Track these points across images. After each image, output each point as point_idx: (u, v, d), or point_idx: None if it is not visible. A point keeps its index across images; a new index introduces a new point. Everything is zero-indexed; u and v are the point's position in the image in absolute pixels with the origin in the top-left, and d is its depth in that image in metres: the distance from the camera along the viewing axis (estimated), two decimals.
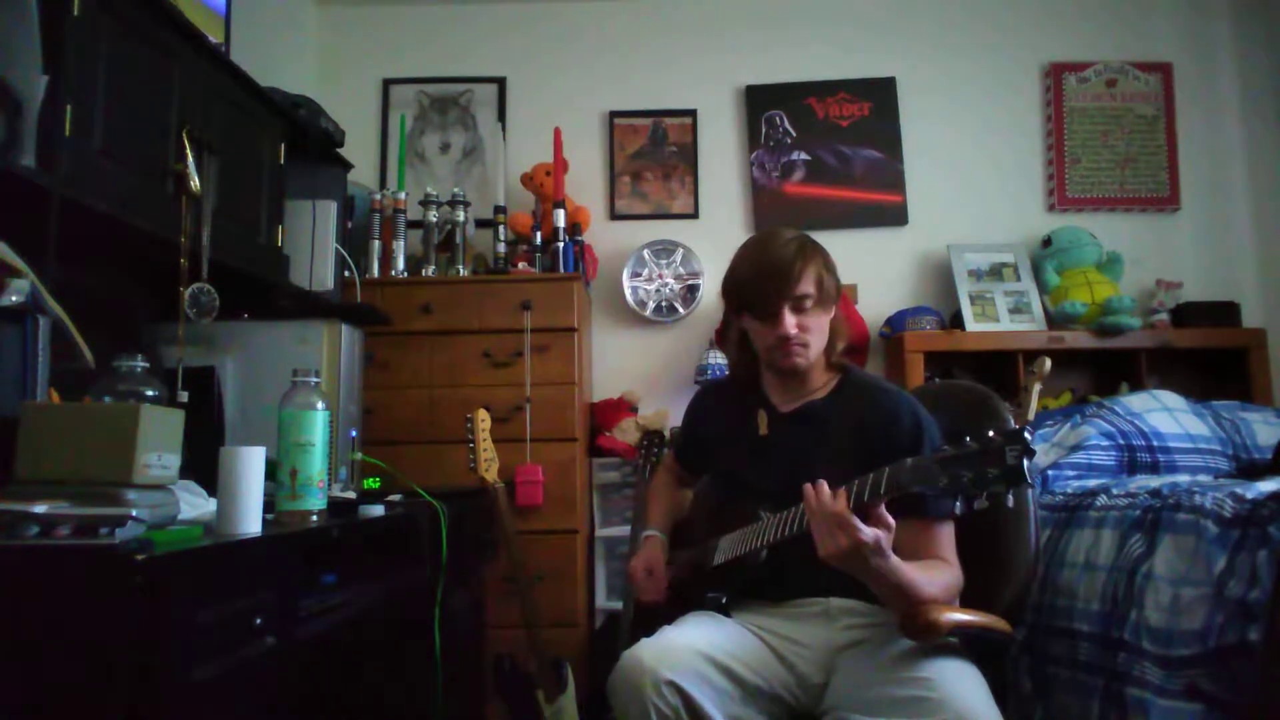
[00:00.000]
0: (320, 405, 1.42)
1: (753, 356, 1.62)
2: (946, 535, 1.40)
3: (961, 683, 1.22)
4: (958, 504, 1.14)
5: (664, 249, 3.23)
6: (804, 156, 3.31)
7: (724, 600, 1.50)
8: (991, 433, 1.12)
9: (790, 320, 1.49)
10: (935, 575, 1.32)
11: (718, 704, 1.27)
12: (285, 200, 2.16)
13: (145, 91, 1.61)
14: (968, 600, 1.38)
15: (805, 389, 1.57)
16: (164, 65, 1.66)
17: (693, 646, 1.31)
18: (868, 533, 1.19)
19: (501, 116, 3.35)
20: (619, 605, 2.69)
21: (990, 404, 1.61)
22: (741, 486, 1.57)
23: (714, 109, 3.37)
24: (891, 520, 1.22)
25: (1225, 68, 3.35)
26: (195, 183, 1.65)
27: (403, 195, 2.93)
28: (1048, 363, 2.46)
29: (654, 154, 3.35)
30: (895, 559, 1.23)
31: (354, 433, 2.12)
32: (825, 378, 1.58)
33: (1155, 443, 2.35)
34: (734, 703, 1.31)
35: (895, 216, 3.28)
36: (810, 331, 1.51)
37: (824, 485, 1.24)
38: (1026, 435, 1.08)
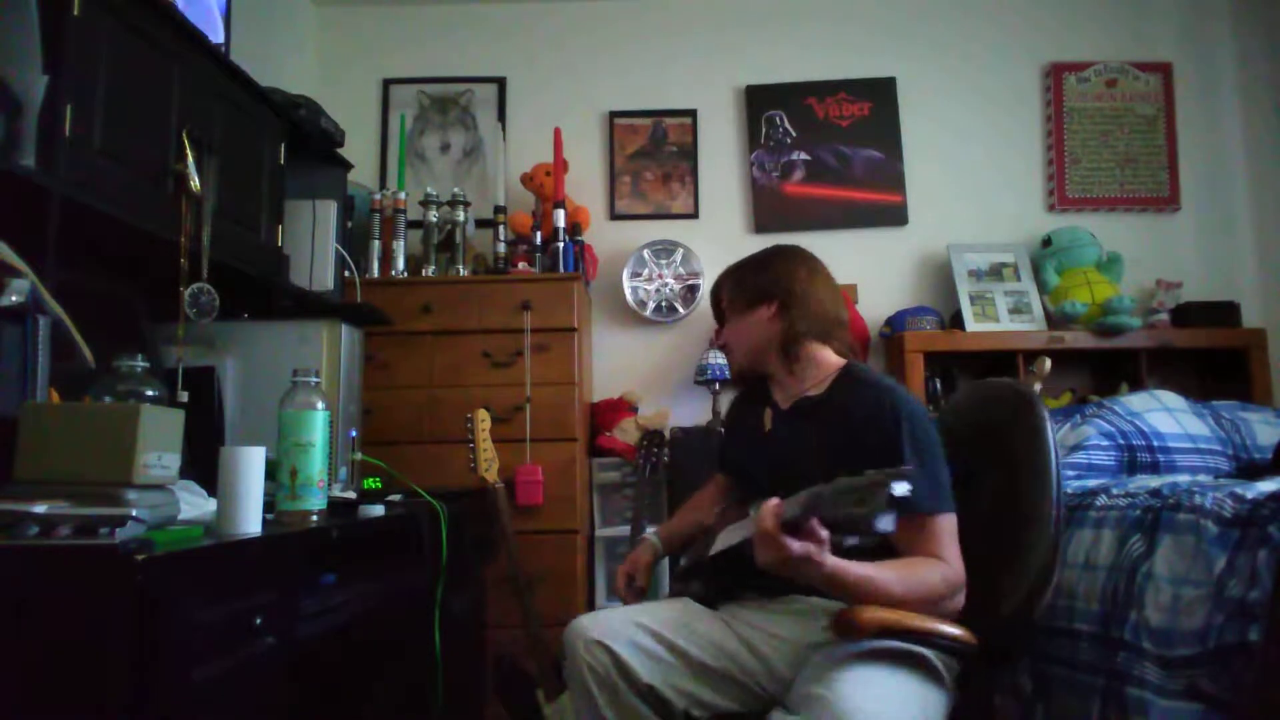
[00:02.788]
0: (320, 405, 1.42)
1: None
2: (942, 530, 1.38)
3: (861, 687, 1.20)
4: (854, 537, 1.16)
5: (664, 249, 3.23)
6: (804, 156, 3.31)
7: (706, 592, 1.58)
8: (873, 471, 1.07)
9: (720, 333, 1.77)
10: (913, 572, 1.31)
11: (650, 668, 1.39)
12: (285, 200, 2.16)
13: (145, 91, 1.61)
14: (975, 599, 1.36)
15: (801, 386, 1.61)
16: (164, 65, 1.66)
17: (631, 618, 1.45)
18: (795, 547, 1.18)
19: (501, 116, 3.35)
20: (619, 605, 2.69)
21: (1028, 402, 1.59)
22: (747, 481, 1.66)
23: (714, 109, 3.37)
24: (823, 534, 1.19)
25: (1225, 68, 3.35)
26: (195, 183, 1.65)
27: (403, 195, 2.93)
28: (1048, 363, 2.46)
29: (654, 154, 3.35)
30: (838, 563, 1.22)
31: (354, 433, 2.12)
32: (823, 374, 1.60)
33: (1155, 443, 2.35)
34: (675, 672, 1.40)
35: (895, 216, 3.27)
36: (730, 337, 1.72)
37: (772, 502, 1.23)
38: (906, 469, 1.04)
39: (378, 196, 2.93)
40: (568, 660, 1.42)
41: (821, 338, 1.61)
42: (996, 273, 3.16)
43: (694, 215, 3.31)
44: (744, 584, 1.53)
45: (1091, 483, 2.17)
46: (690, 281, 3.20)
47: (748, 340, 1.66)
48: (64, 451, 1.05)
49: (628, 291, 3.19)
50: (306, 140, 2.27)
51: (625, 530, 2.77)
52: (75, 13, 1.39)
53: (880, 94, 3.34)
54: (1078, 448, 2.35)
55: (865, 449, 1.28)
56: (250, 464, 1.22)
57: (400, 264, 2.88)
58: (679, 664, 1.41)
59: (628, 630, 1.41)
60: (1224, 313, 3.05)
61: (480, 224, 3.11)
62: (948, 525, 1.39)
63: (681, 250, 3.22)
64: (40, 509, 0.98)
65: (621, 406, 3.03)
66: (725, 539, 1.53)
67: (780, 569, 1.22)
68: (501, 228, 2.94)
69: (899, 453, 1.38)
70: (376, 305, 2.55)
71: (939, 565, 1.35)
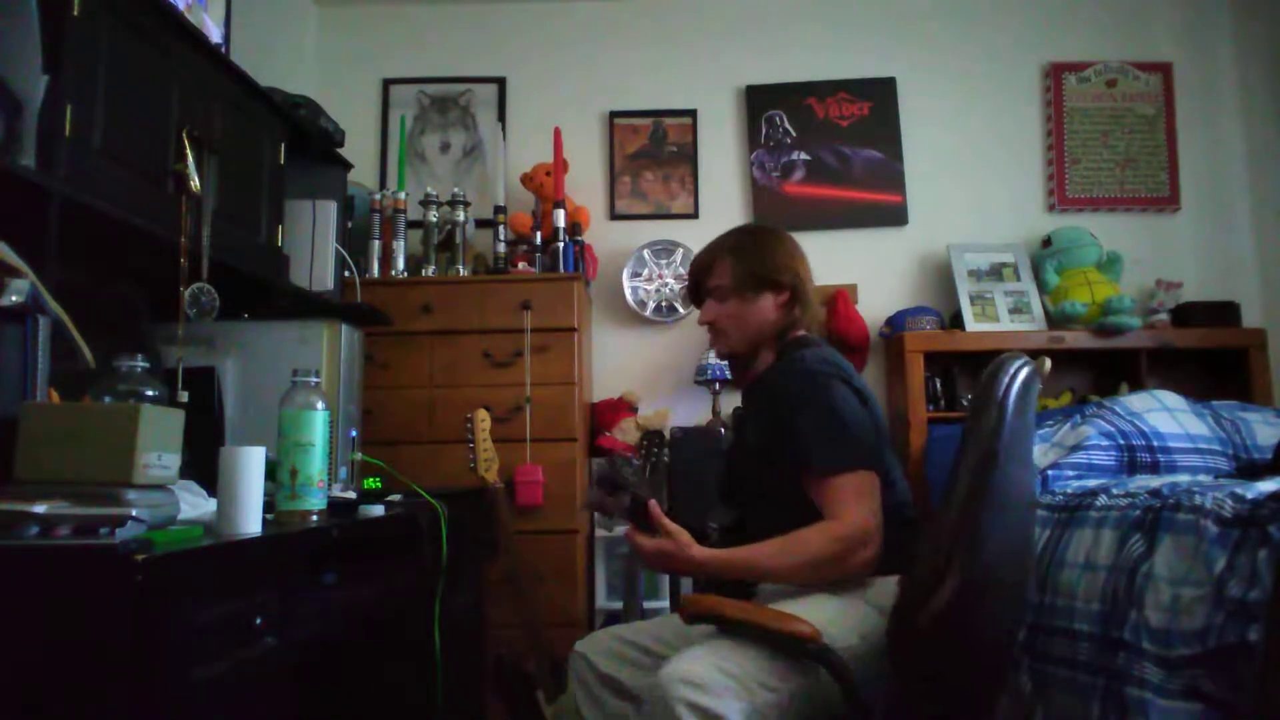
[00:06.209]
0: (320, 405, 1.42)
1: None
2: (838, 488, 1.40)
3: (687, 652, 1.31)
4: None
5: (664, 249, 3.23)
6: (804, 156, 3.31)
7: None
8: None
9: (708, 311, 1.66)
10: (795, 539, 1.37)
11: (623, 672, 1.54)
12: (285, 200, 2.16)
13: (145, 91, 1.61)
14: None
15: (750, 375, 1.68)
16: (164, 65, 1.66)
17: (616, 633, 1.63)
18: (647, 544, 1.44)
19: (501, 116, 3.35)
20: (619, 605, 2.69)
21: None
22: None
23: (714, 109, 3.37)
24: (671, 526, 1.42)
25: (1225, 68, 3.35)
26: (195, 183, 1.65)
27: (403, 195, 2.93)
28: (1048, 363, 2.44)
29: (654, 154, 3.35)
30: (706, 553, 1.41)
31: (354, 433, 2.12)
32: (768, 361, 1.65)
33: (1155, 443, 2.35)
34: (650, 673, 1.42)
35: (895, 216, 3.27)
36: (725, 320, 1.63)
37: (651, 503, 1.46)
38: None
39: (378, 196, 2.93)
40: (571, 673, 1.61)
41: (809, 330, 1.67)
42: (996, 273, 3.16)
43: (694, 215, 3.31)
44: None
45: (1091, 483, 2.17)
46: None
47: (750, 326, 1.62)
48: (64, 451, 1.05)
49: (628, 291, 3.19)
50: (306, 140, 2.27)
51: (625, 530, 2.77)
52: (75, 13, 1.39)
53: (880, 94, 3.34)
54: (1078, 448, 2.35)
55: (778, 426, 1.45)
56: (250, 464, 1.22)
57: (400, 264, 2.88)
58: (654, 663, 1.45)
59: (606, 641, 1.61)
60: (1224, 313, 3.05)
61: (480, 224, 3.11)
62: (848, 483, 1.40)
63: (681, 250, 3.22)
64: (40, 509, 0.98)
65: (621, 406, 3.03)
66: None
67: (652, 567, 1.47)
68: (501, 228, 2.94)
69: (792, 424, 1.45)
70: (376, 305, 2.55)
71: (826, 526, 1.38)
